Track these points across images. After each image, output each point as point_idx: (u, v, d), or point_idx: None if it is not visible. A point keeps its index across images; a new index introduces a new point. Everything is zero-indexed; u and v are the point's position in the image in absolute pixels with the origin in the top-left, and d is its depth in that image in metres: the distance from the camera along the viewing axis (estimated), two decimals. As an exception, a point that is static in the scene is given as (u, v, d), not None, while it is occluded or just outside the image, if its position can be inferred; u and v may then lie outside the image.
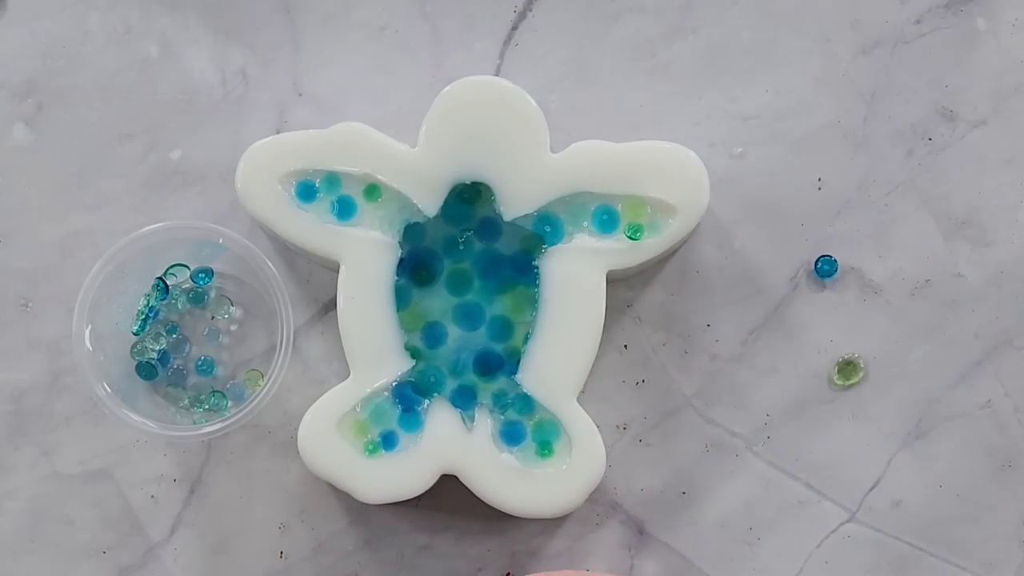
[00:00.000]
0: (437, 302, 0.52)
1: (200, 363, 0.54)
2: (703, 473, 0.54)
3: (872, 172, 0.54)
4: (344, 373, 0.52)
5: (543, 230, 0.51)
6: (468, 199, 0.51)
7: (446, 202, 0.51)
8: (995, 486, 0.54)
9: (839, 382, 0.54)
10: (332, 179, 0.51)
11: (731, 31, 0.54)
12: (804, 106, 0.54)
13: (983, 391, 0.54)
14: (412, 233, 0.51)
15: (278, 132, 0.54)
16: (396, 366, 0.51)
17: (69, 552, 0.54)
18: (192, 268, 0.53)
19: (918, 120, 0.54)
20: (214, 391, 0.54)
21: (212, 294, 0.54)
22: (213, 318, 0.54)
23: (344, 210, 0.51)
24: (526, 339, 0.51)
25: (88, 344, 0.52)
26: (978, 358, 0.54)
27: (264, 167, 0.51)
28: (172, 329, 0.54)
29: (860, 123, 0.54)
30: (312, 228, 0.51)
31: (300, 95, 0.54)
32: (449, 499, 0.54)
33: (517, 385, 0.51)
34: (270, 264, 0.52)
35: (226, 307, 0.54)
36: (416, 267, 0.51)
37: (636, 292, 0.54)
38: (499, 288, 0.51)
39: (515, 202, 0.51)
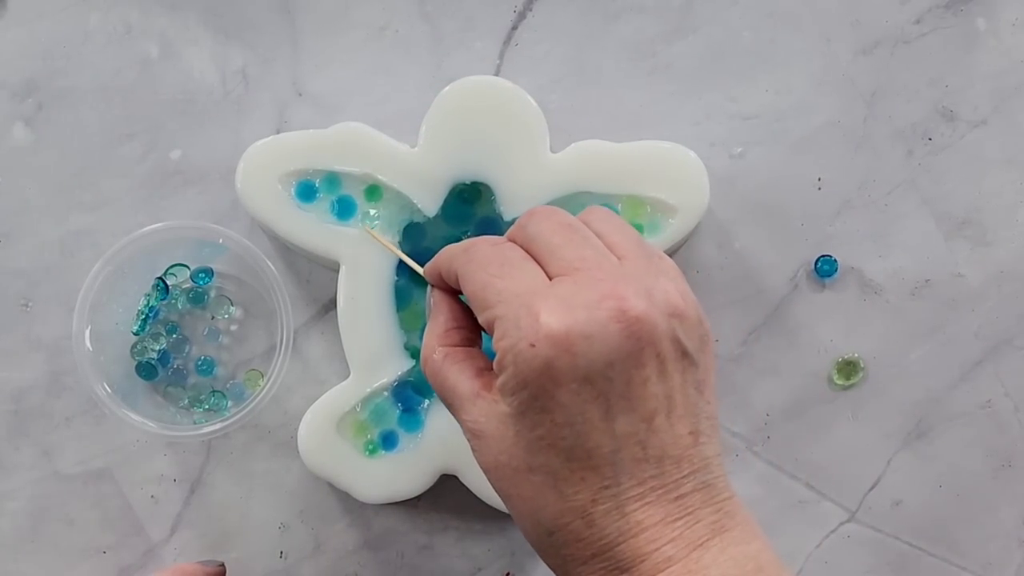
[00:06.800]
0: (437, 302, 0.52)
1: (200, 363, 0.54)
2: (703, 473, 0.54)
3: (872, 172, 0.54)
4: (344, 373, 0.52)
5: (543, 230, 0.51)
6: (468, 199, 0.51)
7: (446, 202, 0.51)
8: (995, 486, 0.54)
9: (839, 382, 0.54)
10: (332, 179, 0.51)
11: (731, 31, 0.54)
12: (804, 106, 0.54)
13: (983, 391, 0.54)
14: (412, 233, 0.51)
15: (278, 132, 0.54)
16: (396, 366, 0.51)
17: (69, 552, 0.54)
18: (192, 268, 0.53)
19: (918, 120, 0.54)
20: (214, 391, 0.54)
21: (212, 294, 0.54)
22: (213, 318, 0.54)
23: (344, 210, 0.51)
24: (526, 339, 0.51)
25: (88, 344, 0.52)
26: (978, 358, 0.54)
27: (264, 167, 0.51)
28: (172, 329, 0.54)
29: (860, 123, 0.54)
30: (312, 228, 0.51)
31: (300, 95, 0.54)
32: (449, 499, 0.54)
33: (517, 385, 0.51)
34: (270, 264, 0.52)
35: (226, 307, 0.54)
36: (416, 267, 0.52)
37: (636, 292, 0.54)
38: (499, 288, 0.51)
39: (515, 202, 0.51)
